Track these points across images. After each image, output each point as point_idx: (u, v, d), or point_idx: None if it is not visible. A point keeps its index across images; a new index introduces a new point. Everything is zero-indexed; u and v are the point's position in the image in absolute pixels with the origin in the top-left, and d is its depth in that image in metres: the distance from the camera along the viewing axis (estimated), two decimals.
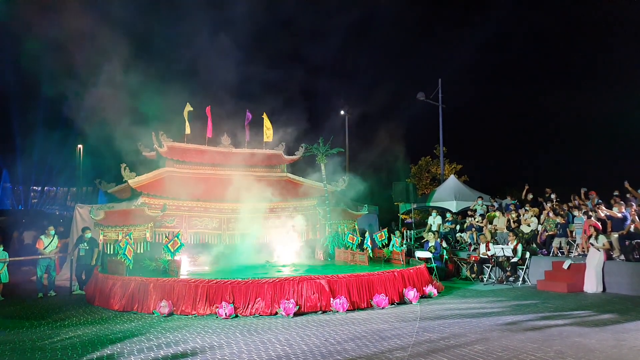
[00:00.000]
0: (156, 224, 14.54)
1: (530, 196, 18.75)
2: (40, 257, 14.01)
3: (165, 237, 13.69)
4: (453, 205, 20.87)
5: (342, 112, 31.82)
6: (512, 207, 18.00)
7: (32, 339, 8.57)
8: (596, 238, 13.67)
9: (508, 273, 15.31)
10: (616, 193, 15.79)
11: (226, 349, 7.81)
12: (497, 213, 18.03)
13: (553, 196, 17.70)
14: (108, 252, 13.55)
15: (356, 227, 17.46)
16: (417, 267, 13.41)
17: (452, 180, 23.14)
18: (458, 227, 19.43)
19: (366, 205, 18.63)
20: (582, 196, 16.99)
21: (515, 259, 15.08)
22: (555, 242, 15.50)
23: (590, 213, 14.86)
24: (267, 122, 18.38)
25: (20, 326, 9.70)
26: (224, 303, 10.47)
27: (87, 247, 14.27)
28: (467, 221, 18.98)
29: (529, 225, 16.52)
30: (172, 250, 12.39)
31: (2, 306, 12.28)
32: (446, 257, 16.72)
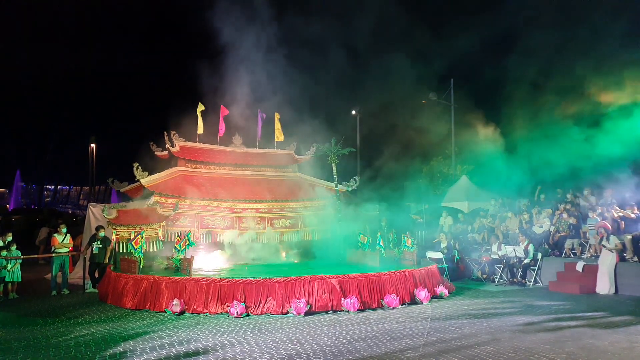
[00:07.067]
0: (168, 223, 14.64)
1: (542, 197, 18.63)
2: (53, 255, 14.16)
3: (177, 236, 13.78)
4: (465, 206, 20.77)
5: (353, 112, 31.86)
6: (523, 207, 17.89)
7: (46, 336, 8.68)
8: (607, 239, 13.55)
9: (520, 274, 15.22)
10: (628, 194, 15.63)
11: (237, 348, 7.86)
12: (509, 214, 17.94)
13: (568, 196, 17.55)
14: (121, 251, 13.67)
15: (367, 227, 17.44)
16: (428, 267, 13.39)
17: (464, 181, 23.01)
18: (470, 227, 19.35)
19: (377, 205, 18.61)
20: (588, 195, 16.88)
21: (527, 260, 15.00)
22: (568, 243, 15.38)
23: (606, 214, 14.71)
24: (278, 122, 18.45)
25: (35, 324, 9.82)
26: (235, 302, 10.52)
27: (101, 246, 14.42)
28: (479, 221, 18.90)
29: (541, 226, 16.42)
30: (181, 249, 12.70)
31: (16, 304, 12.43)
32: (457, 257, 16.66)
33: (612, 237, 13.52)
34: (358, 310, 10.85)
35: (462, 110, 25.84)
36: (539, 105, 21.79)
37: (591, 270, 13.75)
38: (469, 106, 25.31)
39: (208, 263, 14.53)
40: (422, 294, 11.85)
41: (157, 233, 14.25)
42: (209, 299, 10.85)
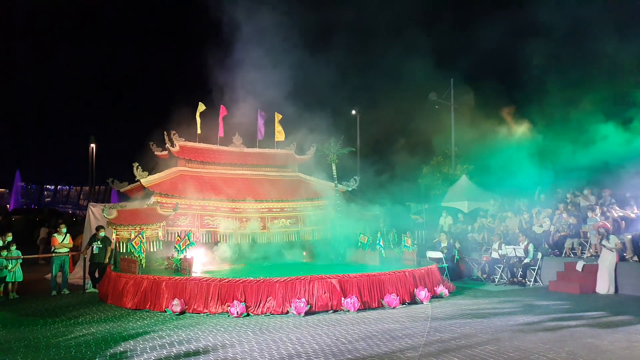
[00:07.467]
0: (168, 222, 14.63)
1: (542, 196, 18.61)
2: (53, 255, 14.16)
3: (178, 236, 13.79)
4: (465, 206, 20.77)
5: (353, 112, 31.87)
6: (523, 207, 17.90)
7: (47, 336, 8.68)
8: (607, 239, 13.55)
9: (520, 274, 15.22)
10: (629, 194, 15.62)
11: (237, 347, 7.86)
12: (509, 213, 17.94)
13: (568, 196, 17.55)
14: (121, 251, 13.67)
15: (367, 226, 17.42)
16: (428, 267, 13.39)
17: (464, 181, 23.01)
18: (470, 227, 19.36)
19: (377, 205, 18.60)
20: (588, 195, 16.89)
21: (527, 260, 15.01)
22: (568, 243, 15.38)
23: (607, 214, 14.71)
24: (278, 122, 18.45)
25: (35, 324, 9.83)
26: (235, 302, 10.52)
27: (101, 246, 14.43)
28: (479, 221, 18.90)
29: (541, 226, 16.42)
30: (181, 249, 12.71)
31: (16, 304, 12.44)
32: (457, 257, 16.67)
33: (612, 237, 13.53)
34: (358, 310, 10.86)
35: (464, 109, 25.81)
36: (562, 101, 21.58)
37: (591, 270, 13.76)
38: (473, 104, 25.29)
39: (206, 263, 14.52)
40: (422, 293, 11.86)
41: (157, 233, 14.23)
42: (209, 298, 10.85)
